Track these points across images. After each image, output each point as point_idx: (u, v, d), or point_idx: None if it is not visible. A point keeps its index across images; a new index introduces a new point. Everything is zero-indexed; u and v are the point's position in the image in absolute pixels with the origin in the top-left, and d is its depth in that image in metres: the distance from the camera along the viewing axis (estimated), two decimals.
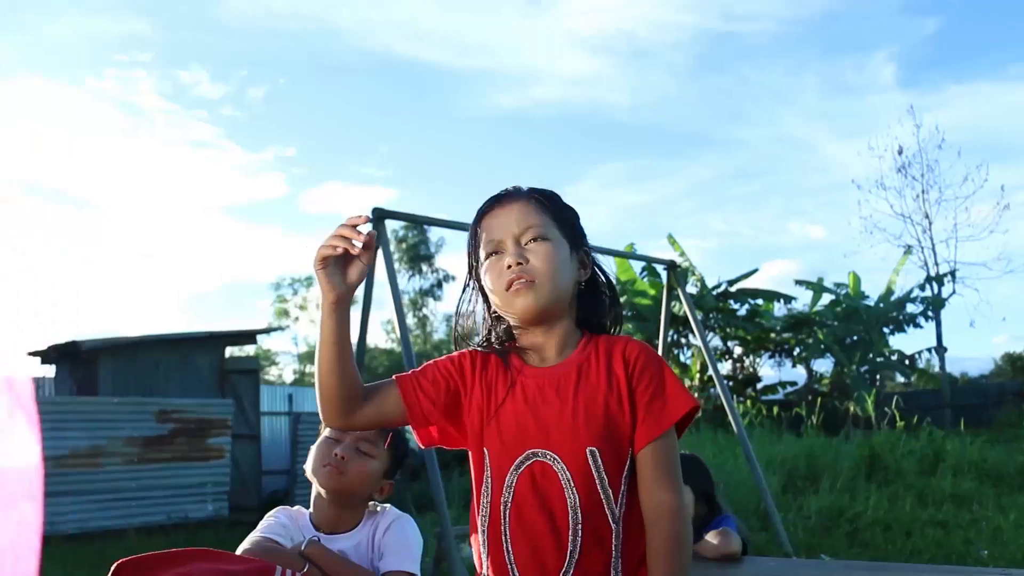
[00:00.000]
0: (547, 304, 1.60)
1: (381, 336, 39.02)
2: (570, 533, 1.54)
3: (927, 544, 7.21)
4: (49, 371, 12.43)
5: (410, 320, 36.18)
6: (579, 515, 1.54)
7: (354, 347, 1.76)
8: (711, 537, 2.80)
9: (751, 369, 20.74)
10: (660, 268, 7.67)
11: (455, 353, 1.72)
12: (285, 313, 41.95)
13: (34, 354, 12.23)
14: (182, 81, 49.39)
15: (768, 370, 21.39)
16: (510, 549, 1.58)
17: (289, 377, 40.76)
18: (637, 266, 18.70)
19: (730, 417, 7.31)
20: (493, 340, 1.70)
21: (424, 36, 46.56)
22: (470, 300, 1.72)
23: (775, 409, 15.02)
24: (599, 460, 1.55)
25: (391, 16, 46.06)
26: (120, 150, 48.96)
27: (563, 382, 1.61)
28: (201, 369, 11.73)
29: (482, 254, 1.66)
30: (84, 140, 47.86)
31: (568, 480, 1.55)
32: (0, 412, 0.65)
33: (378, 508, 2.15)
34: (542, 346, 1.66)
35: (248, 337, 13.63)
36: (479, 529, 1.64)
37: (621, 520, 1.56)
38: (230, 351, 13.01)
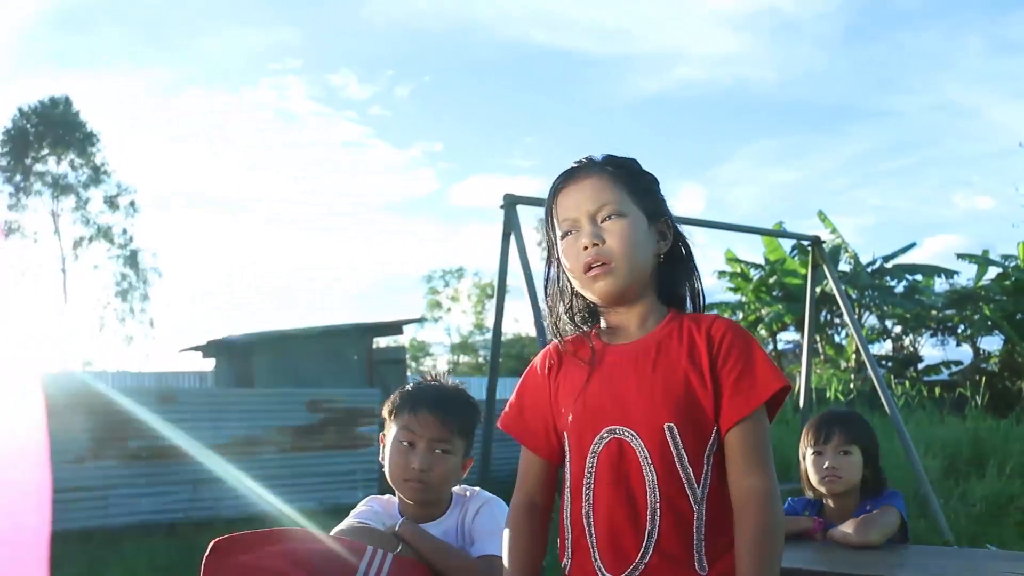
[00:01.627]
0: (625, 285, 1.56)
1: (531, 324, 39.31)
2: (648, 512, 1.47)
3: None
4: (210, 365, 13.12)
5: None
6: (658, 494, 1.47)
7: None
8: (847, 526, 2.63)
9: (911, 348, 19.75)
10: (805, 245, 7.36)
11: (531, 366, 1.71)
12: (438, 305, 42.93)
13: (195, 349, 12.94)
14: (332, 84, 51.26)
15: (931, 349, 20.31)
16: (592, 532, 1.52)
17: (443, 367, 41.63)
18: (786, 246, 18.13)
19: (881, 397, 6.95)
20: (575, 313, 1.67)
21: (563, 24, 46.61)
22: (558, 279, 1.68)
23: (937, 390, 14.24)
24: (677, 437, 1.48)
25: (529, 6, 46.34)
26: (276, 154, 51.26)
27: (642, 357, 1.55)
28: (350, 360, 12.10)
29: (558, 232, 1.61)
30: (243, 147, 50.31)
31: (646, 457, 1.48)
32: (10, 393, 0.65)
33: (467, 492, 2.10)
34: (624, 323, 1.62)
35: (395, 328, 13.96)
36: (564, 514, 1.60)
37: (704, 501, 1.48)
38: (382, 342, 13.37)
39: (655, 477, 1.47)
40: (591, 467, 1.53)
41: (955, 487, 8.40)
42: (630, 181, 1.60)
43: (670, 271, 1.64)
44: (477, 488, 2.14)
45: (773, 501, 1.46)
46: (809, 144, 51.00)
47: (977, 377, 16.65)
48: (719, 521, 1.49)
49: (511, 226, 5.35)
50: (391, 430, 2.08)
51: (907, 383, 16.67)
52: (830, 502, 2.80)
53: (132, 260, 31.19)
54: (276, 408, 10.05)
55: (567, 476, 1.59)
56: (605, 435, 1.52)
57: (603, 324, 1.65)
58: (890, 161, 47.37)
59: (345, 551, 1.78)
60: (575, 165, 1.64)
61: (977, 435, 10.01)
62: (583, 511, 1.54)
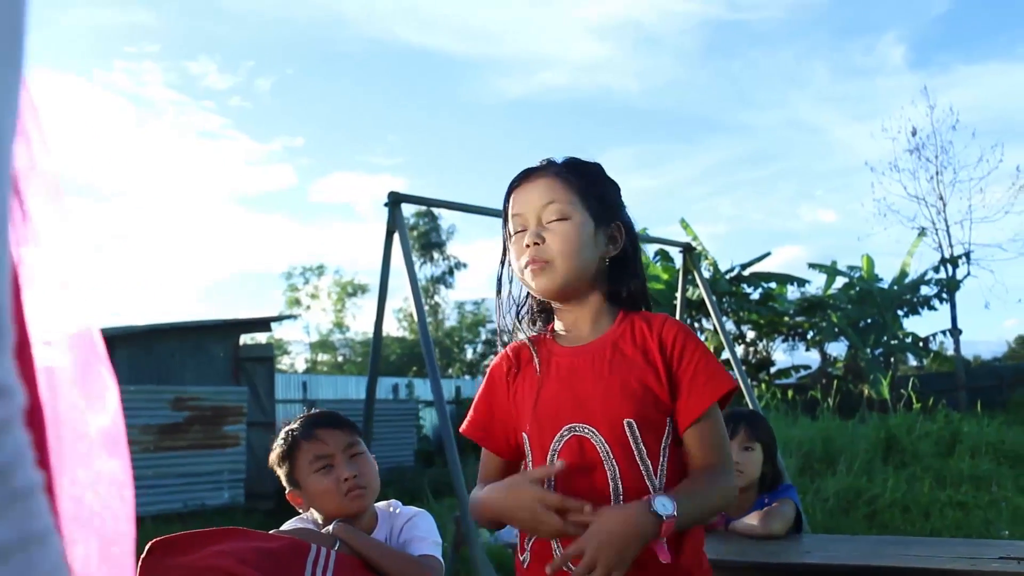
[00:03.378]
0: (563, 285, 1.59)
1: (392, 324, 39.02)
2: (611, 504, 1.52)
3: (946, 525, 7.18)
4: None
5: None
6: (619, 486, 1.52)
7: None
8: (752, 519, 2.75)
9: (764, 353, 20.68)
10: (675, 252, 7.61)
11: (489, 373, 1.73)
12: (297, 302, 42.00)
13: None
14: (190, 72, 49.47)
15: (781, 354, 21.35)
16: None
17: (301, 366, 40.82)
18: (650, 251, 18.65)
19: (747, 399, 7.27)
20: (536, 314, 1.73)
21: (430, 23, 46.53)
22: (509, 277, 1.71)
23: (790, 393, 14.98)
24: (636, 432, 1.53)
25: (396, 3, 46.02)
26: (130, 141, 49.13)
27: (598, 358, 1.60)
28: (216, 357, 11.72)
29: (510, 229, 1.65)
30: (94, 132, 47.98)
31: (607, 452, 1.53)
32: (80, 365, 0.62)
33: (391, 508, 2.12)
34: (575, 322, 1.66)
35: (262, 325, 13.60)
36: None
37: (662, 492, 1.54)
38: (244, 339, 13.00)
39: (617, 471, 1.52)
40: (551, 463, 1.56)
41: (810, 484, 8.87)
42: (582, 184, 1.62)
43: (617, 273, 1.67)
44: (396, 502, 2.15)
45: (733, 484, 1.57)
46: (668, 153, 52.71)
47: (824, 381, 17.64)
48: None
49: (395, 224, 5.29)
50: (302, 472, 2.03)
51: (762, 386, 17.48)
52: None
53: None
54: (139, 406, 9.66)
55: None
56: (565, 433, 1.56)
57: (557, 325, 1.69)
58: (744, 173, 49.55)
59: (290, 549, 1.77)
60: (534, 165, 1.67)
61: (828, 435, 10.57)
62: None
